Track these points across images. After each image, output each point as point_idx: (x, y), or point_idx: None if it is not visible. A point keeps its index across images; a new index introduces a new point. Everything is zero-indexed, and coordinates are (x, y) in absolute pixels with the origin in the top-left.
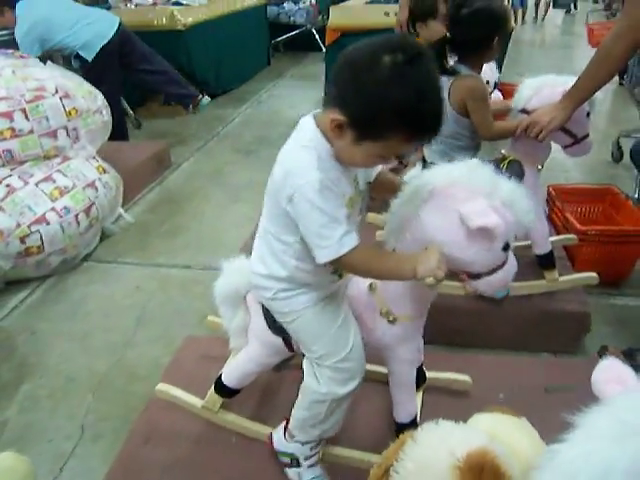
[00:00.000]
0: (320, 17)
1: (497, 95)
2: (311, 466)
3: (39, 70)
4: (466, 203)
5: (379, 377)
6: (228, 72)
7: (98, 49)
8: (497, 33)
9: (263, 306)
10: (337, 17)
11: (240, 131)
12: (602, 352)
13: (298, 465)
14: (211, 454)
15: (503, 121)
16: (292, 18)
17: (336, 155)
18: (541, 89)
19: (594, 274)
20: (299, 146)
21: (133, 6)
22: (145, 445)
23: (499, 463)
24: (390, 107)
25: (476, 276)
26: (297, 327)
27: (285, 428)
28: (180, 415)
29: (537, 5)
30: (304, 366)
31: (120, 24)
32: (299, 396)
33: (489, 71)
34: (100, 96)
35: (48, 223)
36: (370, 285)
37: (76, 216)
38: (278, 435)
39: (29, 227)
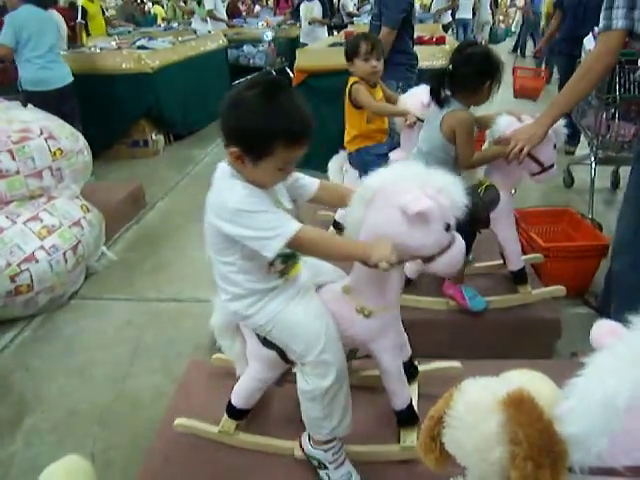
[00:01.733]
0: (278, 59)
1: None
2: (338, 467)
3: (23, 113)
4: (403, 195)
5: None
6: (194, 113)
7: (37, 89)
8: (489, 77)
9: None
10: (303, 60)
11: (211, 170)
12: (572, 357)
13: (326, 467)
14: (230, 466)
15: (479, 152)
16: (251, 60)
17: (246, 180)
18: (514, 122)
19: (561, 287)
20: (222, 183)
21: (98, 50)
22: (166, 462)
23: (534, 397)
24: (262, 127)
25: (430, 259)
26: (276, 333)
27: (309, 434)
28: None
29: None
30: (296, 373)
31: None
32: (301, 404)
33: None
34: (81, 137)
35: (37, 261)
36: (343, 287)
37: (64, 254)
38: (305, 440)
39: (19, 266)
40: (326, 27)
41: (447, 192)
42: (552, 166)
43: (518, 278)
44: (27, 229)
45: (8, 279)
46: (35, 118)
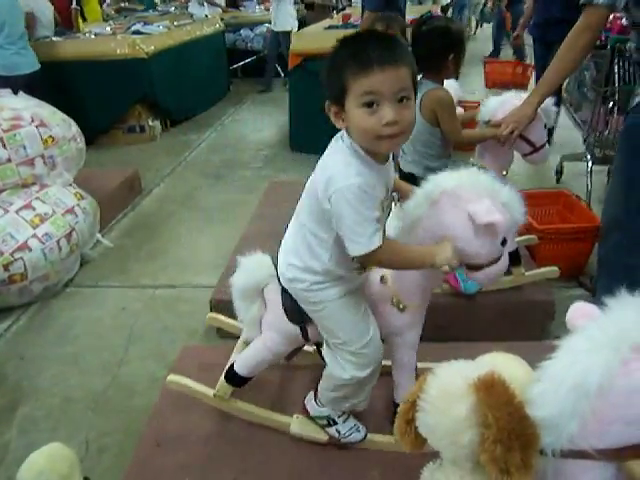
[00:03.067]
0: None
1: (459, 111)
2: (346, 420)
3: (13, 100)
4: (473, 203)
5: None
6: (191, 98)
7: (11, 74)
8: (451, 50)
9: (284, 297)
10: (299, 43)
11: (207, 156)
12: None
13: (335, 423)
14: (222, 450)
15: (469, 130)
16: (249, 44)
17: (357, 142)
18: (505, 103)
19: (555, 268)
20: (339, 157)
21: (92, 36)
22: (158, 448)
23: (505, 380)
24: (330, 64)
25: (478, 267)
26: (325, 315)
27: (315, 395)
28: (187, 417)
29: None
30: (325, 355)
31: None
32: (323, 381)
33: (452, 89)
34: (73, 124)
35: (30, 250)
36: (381, 277)
37: (58, 242)
38: (310, 403)
39: (12, 254)
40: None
41: (511, 208)
42: (544, 145)
43: (511, 259)
44: (19, 218)
45: (1, 268)
46: (26, 105)
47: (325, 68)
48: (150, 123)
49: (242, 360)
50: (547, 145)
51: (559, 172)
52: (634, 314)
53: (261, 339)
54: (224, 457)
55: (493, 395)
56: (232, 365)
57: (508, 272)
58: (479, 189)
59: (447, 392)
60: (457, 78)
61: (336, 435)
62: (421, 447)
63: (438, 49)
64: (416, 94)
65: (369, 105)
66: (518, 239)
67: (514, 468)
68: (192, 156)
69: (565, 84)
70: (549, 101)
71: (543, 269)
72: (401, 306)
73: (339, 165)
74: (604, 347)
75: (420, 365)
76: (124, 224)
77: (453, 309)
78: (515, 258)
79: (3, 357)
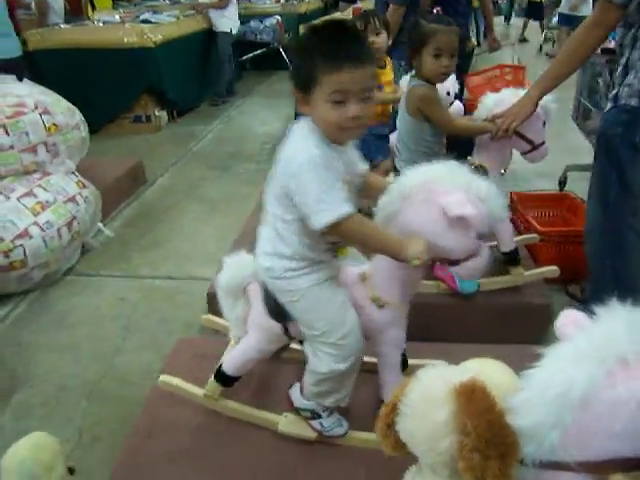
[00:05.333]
0: (286, 35)
1: (458, 105)
2: (330, 414)
3: (18, 87)
4: (446, 196)
5: (367, 367)
6: (198, 89)
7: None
8: (423, 46)
9: (264, 294)
10: None
11: (213, 147)
12: None
13: (319, 417)
14: (212, 443)
15: (465, 121)
16: (258, 36)
17: (319, 127)
18: (503, 99)
19: (555, 267)
20: (297, 134)
21: (101, 24)
22: (148, 439)
23: (486, 387)
24: (301, 53)
25: (455, 262)
26: (301, 306)
27: (301, 388)
28: (179, 409)
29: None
30: (306, 349)
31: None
32: (306, 376)
33: (448, 82)
34: (77, 112)
35: (31, 237)
36: (361, 274)
37: (58, 230)
38: (295, 395)
39: (13, 241)
40: None
41: (487, 201)
42: (543, 143)
43: (510, 259)
44: (21, 205)
45: (2, 255)
46: (30, 92)
47: (294, 54)
48: (156, 113)
49: (229, 360)
50: (546, 143)
51: (562, 183)
52: (622, 325)
53: (246, 338)
54: (214, 450)
55: (473, 402)
56: (221, 365)
57: (506, 272)
58: (453, 182)
59: (428, 397)
60: (440, 79)
61: (319, 428)
62: (402, 451)
63: (411, 44)
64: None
65: (338, 102)
66: (518, 238)
67: (491, 477)
68: (197, 147)
69: (575, 92)
70: (549, 98)
71: (542, 268)
72: (380, 303)
73: (298, 141)
74: (589, 358)
75: (414, 362)
76: (127, 214)
77: (449, 309)
78: (514, 258)
79: (2, 342)
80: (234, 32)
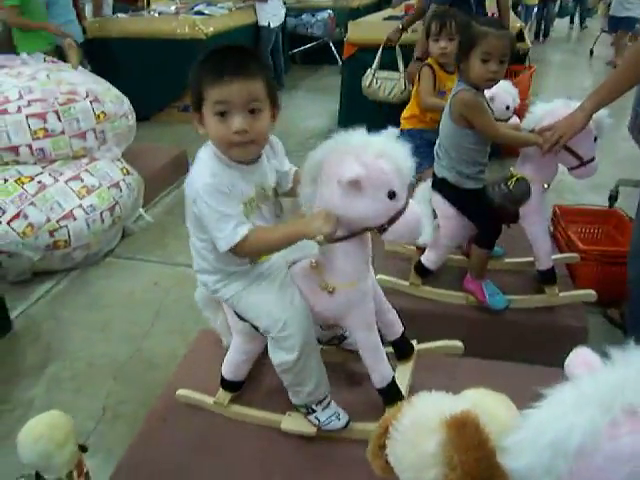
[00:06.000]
0: (337, 30)
1: (515, 120)
2: (325, 408)
3: (72, 75)
4: (337, 166)
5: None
6: None
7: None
8: (472, 49)
9: None
10: (355, 32)
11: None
12: None
13: (314, 411)
14: (224, 434)
15: (512, 130)
16: (310, 30)
17: (219, 149)
18: (554, 111)
19: (592, 291)
20: (200, 159)
21: (156, 14)
22: (163, 422)
23: (479, 422)
24: (190, 81)
25: (381, 230)
26: (240, 308)
27: None
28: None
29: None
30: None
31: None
32: None
33: (507, 95)
34: (126, 101)
35: (75, 219)
36: (311, 263)
37: (101, 214)
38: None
39: (58, 222)
40: None
41: (389, 157)
42: (592, 160)
43: (546, 278)
44: (68, 188)
45: (47, 234)
46: (83, 81)
47: (190, 79)
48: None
49: (225, 366)
50: (595, 159)
51: (613, 198)
52: (635, 372)
53: (232, 342)
54: (223, 442)
55: (463, 436)
56: (222, 372)
57: (541, 290)
58: (345, 150)
59: (419, 424)
60: (487, 85)
61: (316, 422)
62: (391, 474)
63: (461, 46)
64: (275, 107)
65: (221, 114)
66: (557, 257)
67: None
68: None
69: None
70: (603, 112)
71: (579, 291)
72: (330, 288)
73: (198, 166)
74: (593, 405)
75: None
76: (168, 201)
77: (477, 324)
78: (550, 277)
79: (41, 317)
80: (273, 26)
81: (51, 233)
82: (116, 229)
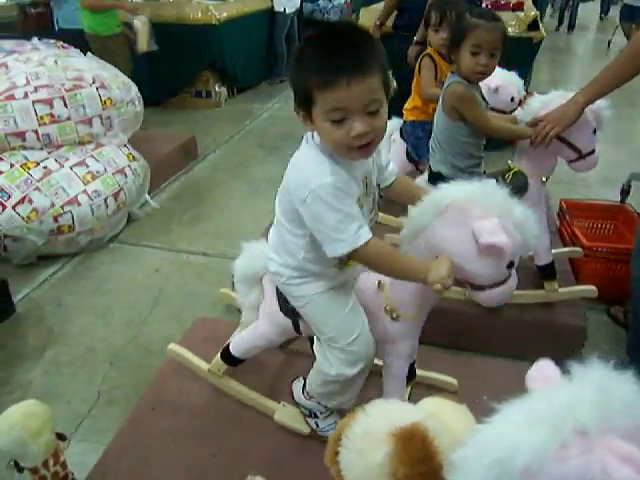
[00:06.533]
0: (354, 15)
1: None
2: (327, 416)
3: (79, 61)
4: (480, 220)
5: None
6: (258, 67)
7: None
8: (462, 41)
9: (277, 290)
10: (366, 19)
11: (266, 126)
12: None
13: (316, 416)
14: (212, 424)
15: (505, 122)
16: (326, 15)
17: (329, 150)
18: (550, 102)
19: (593, 287)
20: (311, 157)
21: None
22: (152, 411)
23: (428, 435)
24: (294, 71)
25: (479, 288)
26: (308, 311)
27: (304, 387)
28: (187, 385)
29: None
30: (315, 348)
31: None
32: (312, 373)
33: (512, 86)
34: (134, 87)
35: (79, 204)
36: (379, 282)
37: (105, 200)
38: (297, 390)
39: (62, 207)
40: None
41: (523, 229)
42: (592, 152)
43: (545, 274)
44: (73, 173)
45: (52, 218)
46: (90, 67)
47: (291, 69)
48: (217, 89)
49: (237, 342)
50: (596, 152)
51: (625, 192)
52: (591, 391)
53: (257, 325)
54: (211, 431)
55: (409, 449)
56: (229, 344)
57: (541, 286)
58: (490, 205)
59: (369, 434)
60: (476, 78)
61: (314, 427)
62: None
63: (452, 36)
64: (389, 98)
65: (337, 122)
66: (558, 251)
67: None
68: (252, 125)
69: None
70: (602, 104)
71: (579, 287)
72: (394, 315)
73: (311, 165)
74: (543, 424)
75: (421, 373)
76: (175, 187)
77: (474, 318)
78: (549, 272)
79: (44, 301)
80: (288, 12)
81: (55, 218)
82: (121, 215)
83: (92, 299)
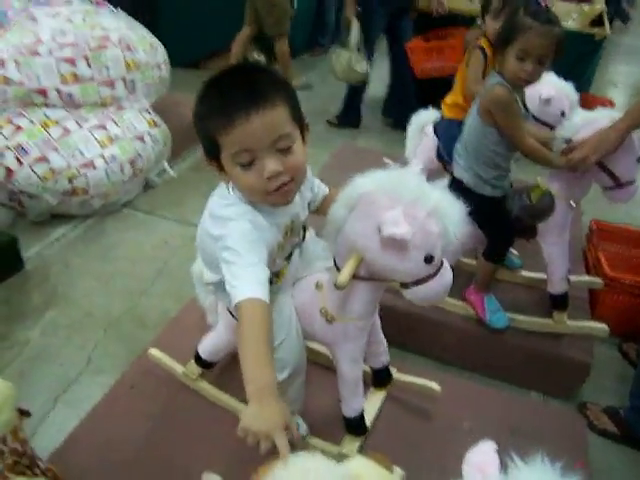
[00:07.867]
0: None
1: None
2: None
3: (107, 19)
4: (385, 211)
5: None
6: (302, 37)
7: None
8: (510, 42)
9: None
10: None
11: (299, 99)
12: (581, 408)
13: None
14: (187, 410)
15: (545, 148)
16: None
17: (251, 199)
18: (594, 121)
19: (604, 326)
20: (225, 203)
21: None
22: (130, 389)
23: None
24: (195, 121)
25: (404, 285)
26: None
27: None
28: (167, 371)
29: None
30: None
31: None
32: None
33: (565, 99)
34: (161, 50)
35: (95, 168)
36: (316, 283)
37: (121, 165)
38: None
39: (78, 170)
40: None
41: (440, 217)
42: (631, 183)
43: (556, 303)
44: (91, 136)
45: (66, 179)
46: (117, 27)
47: (193, 118)
48: (255, 56)
49: (203, 344)
50: (636, 183)
51: None
52: None
53: (218, 326)
54: (187, 418)
55: None
56: (197, 347)
57: (549, 314)
58: (399, 194)
59: None
60: (519, 85)
61: None
62: None
63: (500, 35)
64: (303, 131)
65: (245, 165)
66: (578, 279)
67: None
68: None
69: None
70: None
71: (590, 323)
72: (329, 317)
73: (225, 208)
74: None
75: (400, 377)
76: (196, 156)
77: (472, 338)
78: (561, 302)
79: (52, 260)
80: None
81: (70, 179)
82: (137, 181)
83: (98, 264)
